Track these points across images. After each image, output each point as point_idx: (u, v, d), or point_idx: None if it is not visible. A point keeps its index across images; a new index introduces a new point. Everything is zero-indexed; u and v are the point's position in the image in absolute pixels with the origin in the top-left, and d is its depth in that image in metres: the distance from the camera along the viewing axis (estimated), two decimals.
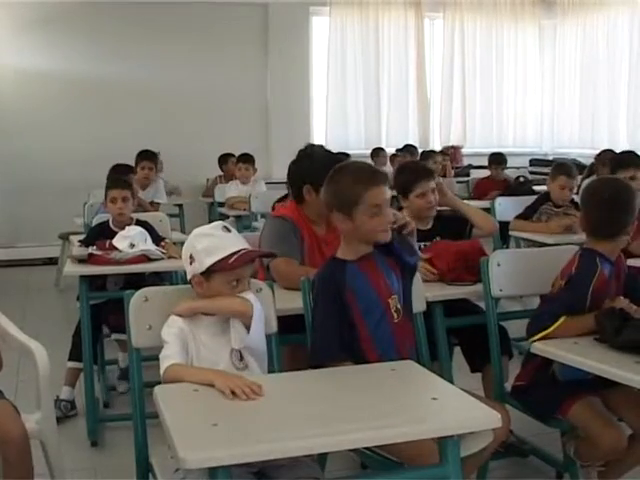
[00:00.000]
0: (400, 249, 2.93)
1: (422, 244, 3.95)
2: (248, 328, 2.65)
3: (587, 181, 6.87)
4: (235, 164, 8.71)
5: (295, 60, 11.31)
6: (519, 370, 3.40)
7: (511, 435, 3.78)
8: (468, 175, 10.11)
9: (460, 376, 3.84)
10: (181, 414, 2.21)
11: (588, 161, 8.83)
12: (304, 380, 2.56)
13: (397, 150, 10.50)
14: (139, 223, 4.84)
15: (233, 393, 2.25)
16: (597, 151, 8.26)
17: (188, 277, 2.72)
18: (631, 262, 3.46)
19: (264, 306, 2.75)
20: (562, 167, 5.79)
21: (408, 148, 10.31)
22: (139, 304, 2.76)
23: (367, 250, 2.88)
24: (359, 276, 2.84)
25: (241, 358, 2.65)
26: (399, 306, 2.91)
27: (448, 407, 2.22)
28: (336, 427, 2.05)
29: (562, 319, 2.92)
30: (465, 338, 3.90)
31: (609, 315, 2.84)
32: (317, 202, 3.72)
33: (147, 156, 7.88)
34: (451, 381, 3.32)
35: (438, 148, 11.72)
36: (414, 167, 4.55)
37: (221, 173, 9.58)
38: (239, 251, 2.65)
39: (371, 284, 2.86)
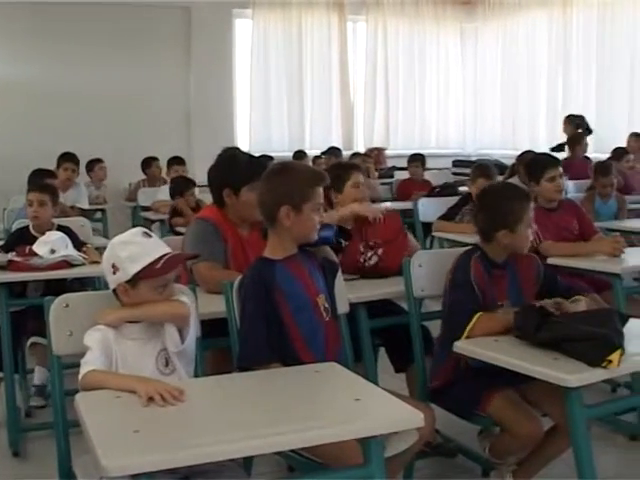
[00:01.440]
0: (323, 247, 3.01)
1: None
2: (181, 331, 2.64)
3: (509, 181, 6.97)
4: (167, 167, 8.67)
5: (218, 62, 11.25)
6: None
7: (437, 434, 3.82)
8: (392, 177, 10.19)
9: (385, 376, 3.87)
10: (103, 421, 2.18)
11: (510, 162, 8.95)
12: (228, 384, 2.56)
13: (322, 153, 10.54)
14: (60, 228, 4.77)
15: (151, 399, 2.24)
16: (519, 152, 8.38)
17: (111, 287, 2.68)
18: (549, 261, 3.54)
19: None
20: (481, 169, 5.89)
21: (332, 151, 10.35)
22: (59, 311, 2.72)
23: (293, 250, 2.90)
24: (287, 275, 2.86)
25: (167, 363, 2.63)
26: (327, 305, 2.94)
27: (371, 408, 2.23)
28: (259, 430, 2.05)
29: (477, 315, 2.99)
30: (389, 338, 3.93)
31: (528, 312, 2.89)
32: (238, 205, 3.74)
33: (69, 157, 7.84)
34: (375, 382, 3.35)
35: (362, 150, 11.79)
36: (345, 162, 4.80)
37: (144, 177, 9.50)
38: (164, 256, 2.64)
39: (299, 283, 2.88)
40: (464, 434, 3.88)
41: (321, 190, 2.92)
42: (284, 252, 2.89)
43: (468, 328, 2.97)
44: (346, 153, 10.47)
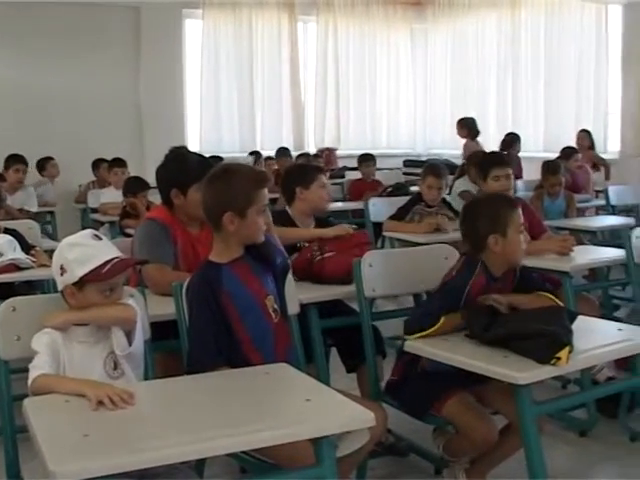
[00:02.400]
0: (270, 248, 2.98)
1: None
2: (128, 334, 2.62)
3: (458, 181, 7.02)
4: (108, 169, 8.57)
5: (168, 63, 11.18)
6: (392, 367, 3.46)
7: (389, 433, 3.83)
8: (343, 177, 10.22)
9: (337, 377, 3.87)
10: (52, 426, 2.15)
11: (460, 162, 9.03)
12: (178, 386, 2.53)
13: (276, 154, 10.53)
14: (8, 231, 4.71)
15: (100, 403, 2.22)
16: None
17: (59, 288, 2.66)
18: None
19: None
20: (430, 168, 5.90)
21: (282, 151, 10.33)
22: (6, 314, 2.68)
23: (240, 253, 2.89)
24: (234, 278, 2.84)
25: (115, 367, 2.61)
26: (276, 306, 2.93)
27: (321, 408, 2.22)
28: (210, 433, 2.04)
29: (442, 320, 2.96)
30: (340, 339, 3.93)
31: (477, 311, 2.91)
32: (186, 205, 3.73)
33: (18, 159, 7.79)
34: (327, 382, 3.36)
35: (313, 150, 11.82)
36: (309, 165, 5.39)
37: (94, 178, 9.41)
38: (112, 260, 2.61)
39: (246, 286, 2.87)
40: (416, 433, 3.89)
41: (265, 192, 2.90)
42: (230, 255, 2.88)
43: (430, 330, 2.94)
44: (299, 154, 10.47)
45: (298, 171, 4.49)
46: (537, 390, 2.75)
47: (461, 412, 3.12)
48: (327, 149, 12.09)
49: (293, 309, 3.16)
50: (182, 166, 3.80)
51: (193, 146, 10.81)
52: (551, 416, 4.20)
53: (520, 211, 3.27)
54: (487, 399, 3.22)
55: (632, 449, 4.00)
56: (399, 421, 3.60)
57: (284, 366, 2.62)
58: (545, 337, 2.63)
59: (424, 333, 2.94)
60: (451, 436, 3.37)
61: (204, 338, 2.76)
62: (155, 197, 6.55)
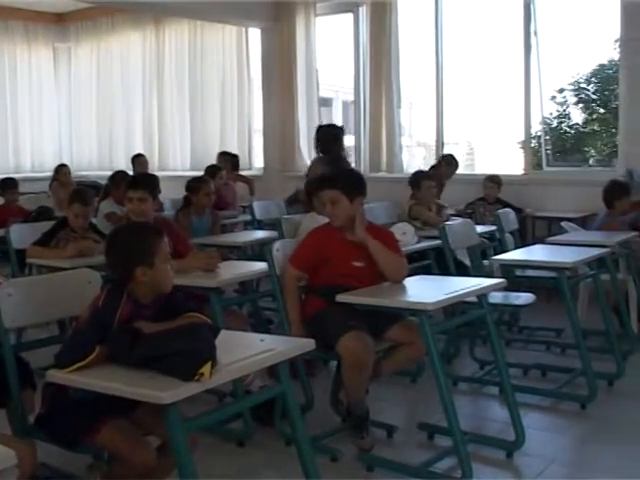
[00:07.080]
0: None
1: None
2: None
3: (104, 203, 6.96)
4: None
5: None
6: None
7: (43, 467, 3.71)
8: None
9: None
10: None
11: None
12: None
13: None
14: None
15: None
16: None
17: None
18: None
19: None
20: (77, 194, 5.71)
21: None
22: None
23: None
24: None
25: None
26: None
27: None
28: None
29: (97, 350, 2.89)
30: None
31: (119, 334, 2.88)
32: None
33: None
34: None
35: None
36: None
37: None
38: None
39: None
40: (73, 462, 3.78)
41: None
42: None
43: (85, 362, 2.84)
44: None
45: None
46: (193, 405, 2.78)
47: (116, 439, 3.08)
48: None
49: None
50: None
51: None
52: (209, 430, 4.29)
53: (166, 239, 3.24)
54: (140, 422, 3.20)
55: (288, 453, 4.13)
56: (57, 452, 3.48)
57: None
58: (185, 355, 2.66)
59: (79, 365, 2.83)
60: (109, 467, 3.32)
61: None
62: None
